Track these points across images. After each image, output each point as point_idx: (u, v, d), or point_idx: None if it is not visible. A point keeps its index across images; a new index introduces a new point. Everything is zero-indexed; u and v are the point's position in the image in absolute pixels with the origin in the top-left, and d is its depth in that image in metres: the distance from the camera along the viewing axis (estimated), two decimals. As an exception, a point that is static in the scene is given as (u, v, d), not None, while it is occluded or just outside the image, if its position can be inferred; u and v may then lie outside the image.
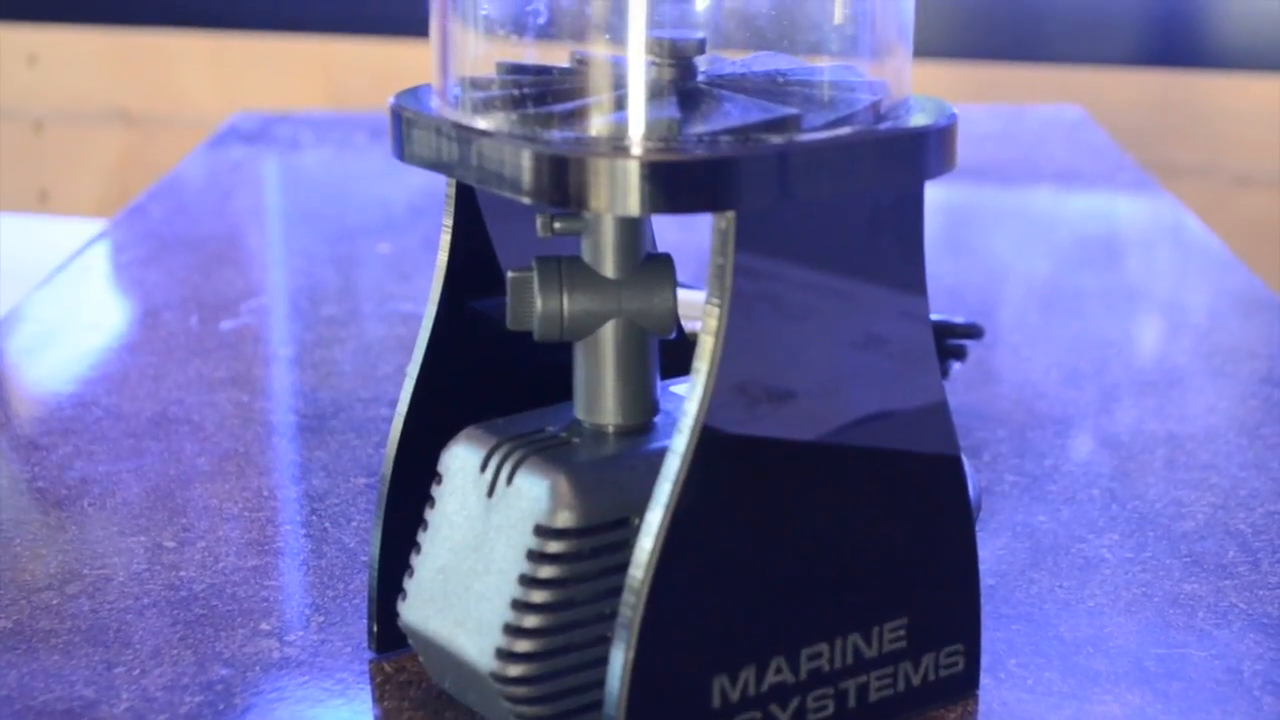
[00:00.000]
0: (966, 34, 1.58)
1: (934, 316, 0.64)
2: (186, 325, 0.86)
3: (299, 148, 1.25)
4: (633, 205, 0.43)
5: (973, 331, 0.72)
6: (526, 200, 0.44)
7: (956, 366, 0.74)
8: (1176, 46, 1.55)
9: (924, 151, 0.47)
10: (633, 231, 0.48)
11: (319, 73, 1.70)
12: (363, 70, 1.69)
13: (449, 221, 0.52)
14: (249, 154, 1.24)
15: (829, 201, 0.46)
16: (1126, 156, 1.21)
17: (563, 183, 0.43)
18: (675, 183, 0.43)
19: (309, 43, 1.70)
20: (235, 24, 1.71)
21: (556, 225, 0.48)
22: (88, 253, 0.99)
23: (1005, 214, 1.14)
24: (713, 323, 0.44)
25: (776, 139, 0.44)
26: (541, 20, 0.50)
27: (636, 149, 0.44)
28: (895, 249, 0.48)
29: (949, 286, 0.92)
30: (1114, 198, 1.16)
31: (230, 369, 0.80)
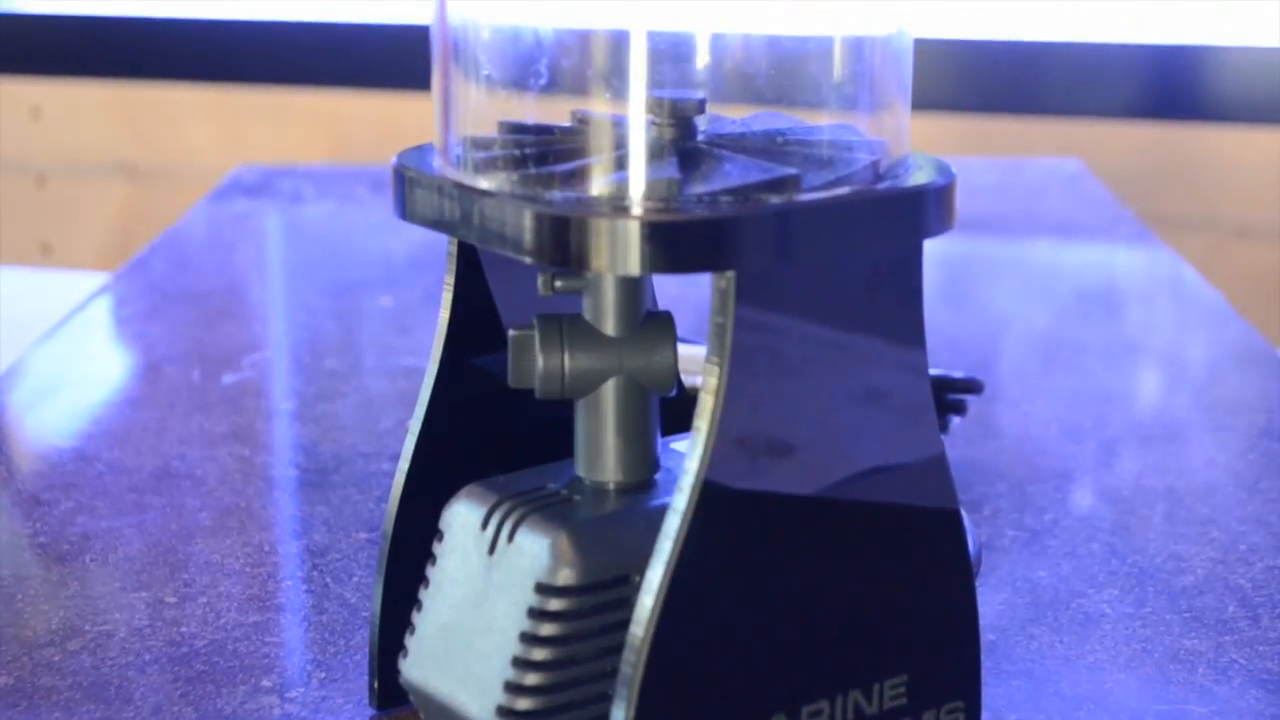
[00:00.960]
0: (965, 87, 1.59)
1: (933, 371, 0.65)
2: (188, 379, 0.86)
3: (301, 201, 1.25)
4: (633, 265, 0.43)
5: (972, 386, 0.73)
6: (528, 260, 0.44)
7: (956, 421, 0.74)
8: (1174, 99, 1.56)
9: (923, 211, 0.47)
10: (633, 290, 0.48)
11: (321, 126, 1.70)
12: (365, 123, 1.70)
13: (450, 279, 0.52)
14: (251, 207, 1.24)
15: (829, 259, 0.46)
16: (1125, 209, 1.22)
17: (564, 243, 0.44)
18: (675, 243, 0.43)
19: (311, 96, 1.71)
20: (237, 77, 1.72)
21: (557, 284, 0.48)
22: (90, 306, 0.99)
23: (1004, 266, 1.14)
24: (713, 381, 0.44)
25: (776, 199, 0.45)
26: (543, 80, 0.50)
27: (637, 209, 0.44)
28: (894, 304, 0.48)
29: (948, 339, 0.93)
30: (1113, 250, 1.16)
31: (232, 423, 0.80)
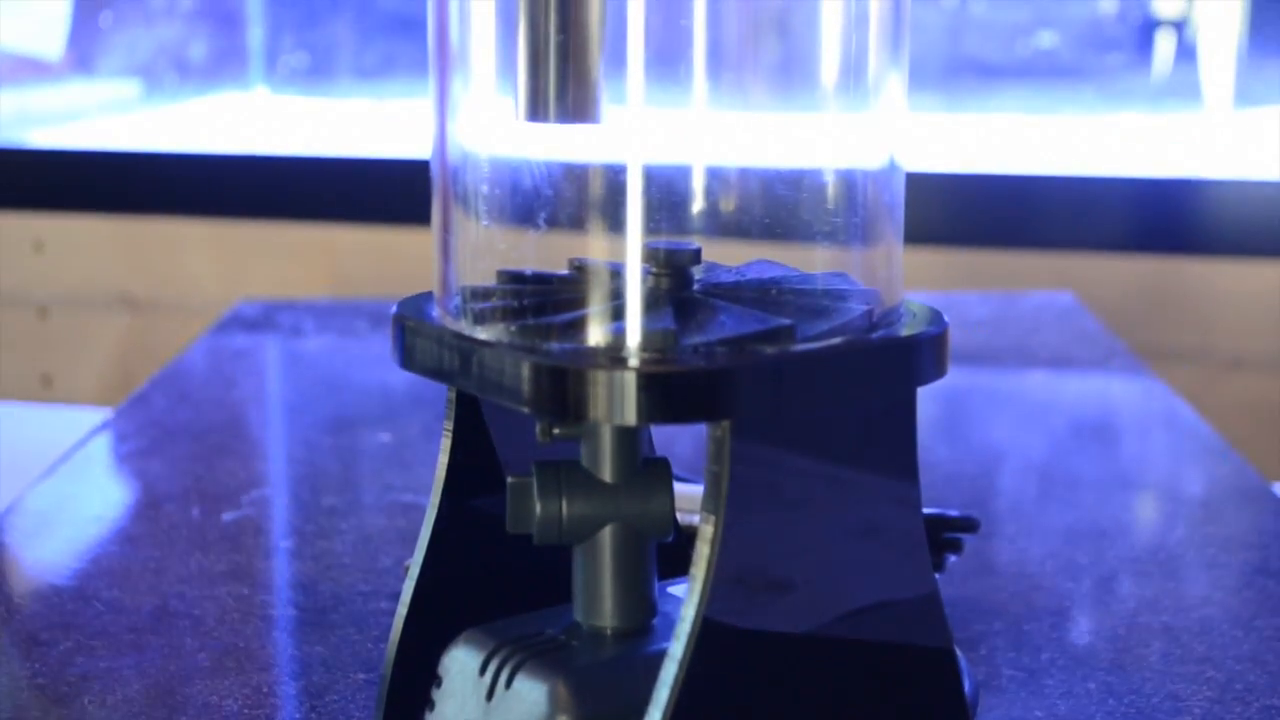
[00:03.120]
0: (959, 221, 1.60)
1: (929, 510, 0.65)
2: (188, 517, 0.86)
3: (301, 335, 1.26)
4: (630, 416, 0.44)
5: (968, 525, 0.73)
6: (526, 411, 0.45)
7: (953, 559, 0.75)
8: (1166, 232, 1.57)
9: (916, 360, 0.48)
10: (631, 438, 0.49)
11: (321, 259, 1.72)
12: (365, 256, 1.71)
13: (449, 426, 0.53)
14: (252, 342, 1.25)
15: (823, 407, 0.47)
16: (1118, 342, 1.23)
17: (561, 394, 0.44)
18: (671, 394, 0.44)
19: (311, 230, 1.72)
20: (238, 211, 1.74)
21: (556, 431, 0.49)
22: (90, 442, 1.00)
23: (999, 400, 1.15)
24: (709, 530, 0.45)
25: (771, 349, 0.46)
26: (540, 225, 0.51)
27: (634, 360, 0.45)
28: (887, 448, 0.49)
29: (945, 474, 0.93)
30: (1107, 383, 1.17)
31: (231, 561, 0.80)
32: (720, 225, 0.52)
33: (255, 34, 2.14)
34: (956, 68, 2.00)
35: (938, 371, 0.49)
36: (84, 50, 2.12)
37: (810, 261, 0.52)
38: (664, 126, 0.49)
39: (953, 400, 1.11)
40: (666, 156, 0.50)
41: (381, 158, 1.76)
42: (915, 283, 1.45)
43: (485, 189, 0.51)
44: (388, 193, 1.71)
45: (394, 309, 0.51)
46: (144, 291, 1.78)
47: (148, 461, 0.98)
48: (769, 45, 0.53)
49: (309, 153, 1.80)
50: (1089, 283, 1.54)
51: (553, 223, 0.51)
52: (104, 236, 1.78)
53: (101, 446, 1.01)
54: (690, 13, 0.51)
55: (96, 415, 1.28)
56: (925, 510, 0.56)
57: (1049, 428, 1.06)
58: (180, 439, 1.01)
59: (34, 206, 1.80)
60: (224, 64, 2.15)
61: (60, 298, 1.81)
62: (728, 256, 0.54)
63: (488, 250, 0.51)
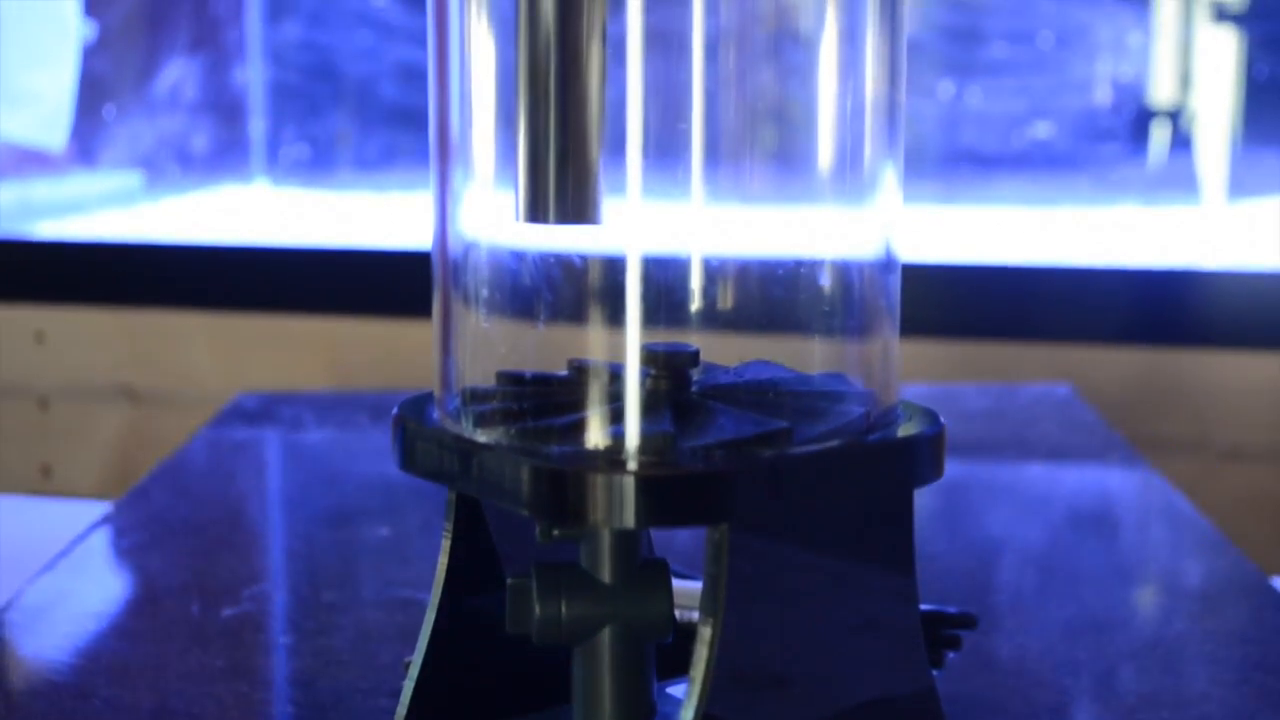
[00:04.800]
0: (956, 312, 1.61)
1: (927, 606, 0.65)
2: (187, 613, 0.87)
3: (302, 427, 1.26)
4: (628, 519, 0.44)
5: (966, 621, 0.73)
6: (526, 513, 0.45)
7: (951, 656, 0.75)
8: (1163, 324, 1.58)
9: (913, 461, 0.48)
10: (630, 539, 0.49)
11: (321, 351, 1.72)
12: (365, 348, 1.72)
13: (450, 526, 0.53)
14: (252, 435, 1.25)
15: (821, 508, 0.47)
16: (1116, 434, 1.23)
17: (561, 497, 0.45)
18: (670, 497, 0.44)
19: (311, 322, 1.73)
20: (239, 304, 1.74)
21: (555, 533, 0.49)
22: (90, 537, 1.00)
23: (998, 492, 1.15)
24: (707, 632, 0.45)
25: (768, 452, 0.46)
26: (541, 326, 0.52)
27: (632, 463, 0.45)
28: (885, 544, 0.49)
29: (943, 567, 0.93)
30: (1105, 475, 1.17)
31: (231, 658, 0.80)
32: (718, 320, 0.52)
33: (257, 126, 2.16)
34: (953, 159, 2.01)
35: (934, 473, 0.49)
36: (87, 142, 2.13)
37: (808, 354, 0.53)
38: (662, 223, 0.50)
39: (951, 492, 1.11)
40: (664, 248, 0.51)
41: (381, 249, 1.77)
42: (913, 374, 1.45)
43: (486, 285, 0.52)
44: (388, 285, 1.72)
45: (394, 411, 0.51)
46: (145, 383, 1.79)
47: (147, 556, 0.98)
48: (764, 139, 0.53)
49: (309, 244, 1.81)
50: (1087, 374, 1.55)
51: (553, 317, 0.52)
52: (105, 328, 1.79)
53: (101, 541, 1.01)
54: (688, 115, 0.51)
55: (96, 508, 1.28)
56: (923, 606, 0.56)
57: (1047, 520, 1.06)
58: (180, 533, 1.01)
59: (36, 298, 1.80)
60: (226, 156, 2.16)
61: (61, 389, 1.81)
62: (725, 348, 0.54)
63: (488, 346, 0.52)
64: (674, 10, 0.52)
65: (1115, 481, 1.16)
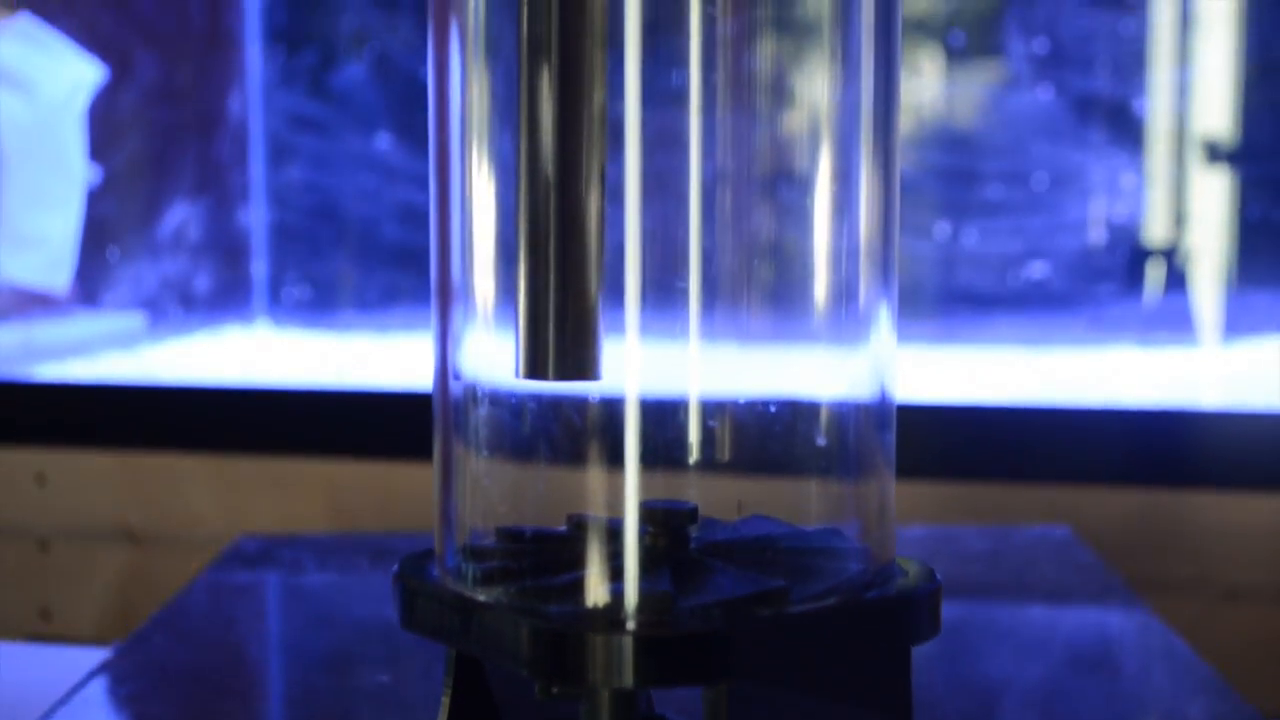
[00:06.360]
0: (955, 453, 1.61)
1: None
2: (187, 762, 0.86)
3: (302, 571, 1.26)
4: (627, 679, 0.45)
5: (966, 771, 0.73)
6: (526, 672, 0.46)
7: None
8: (1161, 464, 1.58)
9: (910, 619, 0.49)
10: (629, 697, 0.50)
11: (321, 493, 1.73)
12: (364, 491, 1.72)
13: (449, 683, 0.53)
14: (252, 578, 1.25)
15: (819, 665, 0.47)
16: (1115, 575, 1.23)
17: (560, 657, 0.45)
18: (669, 657, 0.45)
19: (311, 464, 1.74)
20: (239, 446, 1.75)
21: (554, 690, 0.49)
22: (89, 685, 1.00)
23: (997, 635, 1.15)
24: (706, 793, 0.45)
25: (766, 611, 0.46)
26: (540, 476, 0.52)
27: (631, 623, 0.46)
28: (882, 698, 0.49)
29: (942, 714, 0.93)
30: (1104, 617, 1.17)
31: (229, 809, 0.80)
32: (715, 465, 0.53)
33: (259, 267, 2.18)
34: (949, 299, 2.03)
35: (932, 630, 0.50)
36: (90, 284, 2.15)
37: (805, 497, 0.53)
38: (658, 366, 0.51)
39: (950, 634, 1.11)
40: (661, 389, 0.51)
41: (381, 390, 1.78)
42: (911, 515, 1.46)
43: (486, 429, 0.52)
44: (388, 427, 1.73)
45: (395, 569, 0.52)
46: (145, 525, 1.79)
47: (147, 705, 0.98)
48: (759, 282, 0.54)
49: (309, 385, 1.82)
50: (1085, 514, 1.55)
51: (553, 460, 0.52)
52: (106, 469, 1.80)
53: (99, 689, 1.01)
54: (685, 261, 0.52)
55: (95, 654, 1.28)
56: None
57: (1047, 662, 1.06)
58: (180, 681, 1.01)
59: (37, 440, 1.81)
60: (228, 297, 2.18)
61: (61, 531, 1.82)
62: (723, 490, 0.55)
63: (488, 491, 0.52)
64: (670, 154, 0.53)
65: (1115, 623, 1.16)
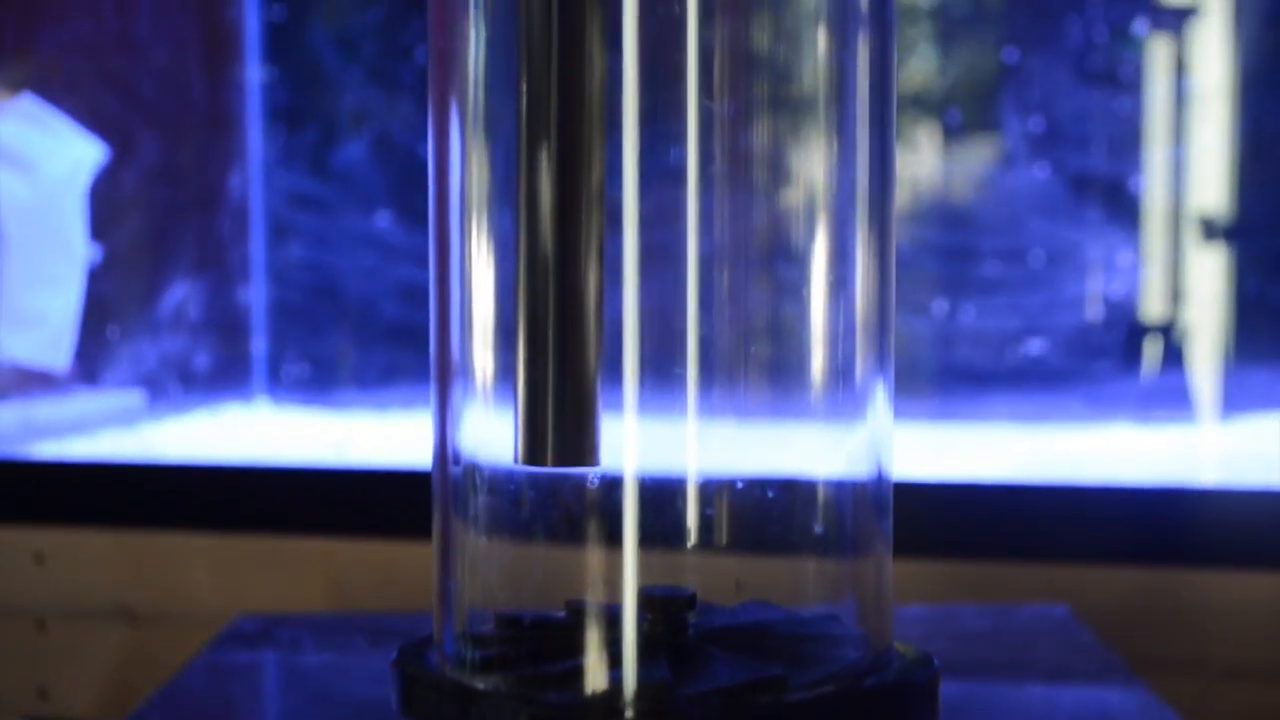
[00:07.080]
0: (954, 532, 1.61)
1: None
2: (184, 846, 0.86)
3: (300, 651, 1.26)
4: (626, 767, 0.45)
5: None
6: (525, 760, 0.46)
7: None
8: (1160, 543, 1.58)
9: (908, 706, 0.49)
10: (627, 785, 0.50)
11: (320, 572, 1.73)
12: (363, 570, 1.72)
13: (449, 772, 0.53)
14: (251, 659, 1.25)
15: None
16: (1114, 654, 1.23)
17: (559, 746, 0.45)
18: (667, 746, 0.45)
19: (310, 543, 1.74)
20: (238, 526, 1.75)
21: (553, 777, 0.49)
22: (88, 767, 1.00)
23: (997, 714, 1.15)
24: None
25: (764, 699, 0.46)
26: (540, 556, 0.52)
27: (629, 711, 0.46)
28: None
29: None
30: (1103, 697, 1.17)
31: None
32: (712, 545, 0.53)
33: (258, 345, 2.18)
34: (947, 376, 2.03)
35: (929, 716, 0.50)
36: (90, 362, 2.16)
37: (803, 576, 0.53)
38: (655, 445, 0.51)
39: (950, 715, 1.10)
40: (659, 468, 0.51)
41: (380, 468, 1.78)
42: (910, 594, 1.46)
43: (485, 509, 0.53)
44: (387, 505, 1.73)
45: (394, 655, 0.52)
46: (143, 604, 1.79)
47: (144, 787, 0.97)
48: (755, 361, 0.55)
49: (307, 464, 1.82)
50: (1083, 593, 1.55)
51: (552, 540, 0.52)
52: (105, 549, 1.79)
53: (98, 771, 1.01)
54: (683, 343, 0.52)
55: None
56: None
57: (1047, 744, 1.06)
58: (177, 762, 1.01)
59: (36, 518, 1.81)
60: (227, 375, 2.18)
61: (59, 609, 1.81)
62: (721, 569, 0.55)
63: (487, 571, 0.52)
64: (668, 232, 0.54)
65: (1114, 703, 1.16)
